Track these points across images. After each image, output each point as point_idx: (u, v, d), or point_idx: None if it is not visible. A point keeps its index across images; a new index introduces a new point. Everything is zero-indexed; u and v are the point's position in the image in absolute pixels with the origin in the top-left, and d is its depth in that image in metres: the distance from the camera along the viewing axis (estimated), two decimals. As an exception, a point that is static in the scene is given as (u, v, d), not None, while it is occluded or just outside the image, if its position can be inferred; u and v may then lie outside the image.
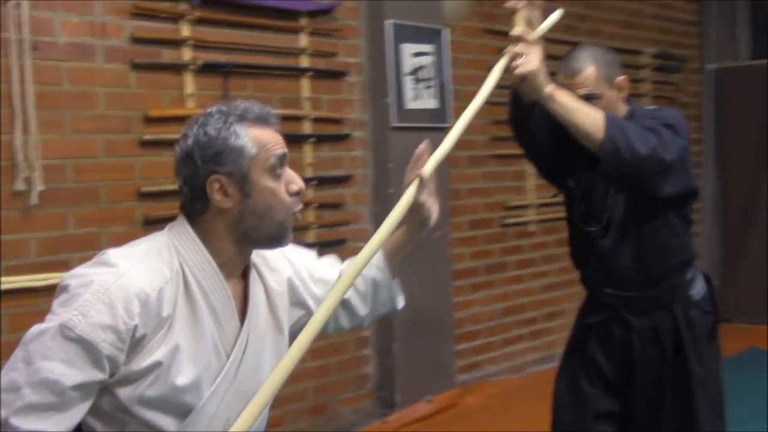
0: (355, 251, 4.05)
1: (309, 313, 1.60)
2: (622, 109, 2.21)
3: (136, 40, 3.00)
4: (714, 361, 2.20)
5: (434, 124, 3.83)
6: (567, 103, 1.96)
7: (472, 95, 3.98)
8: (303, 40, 3.52)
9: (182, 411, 1.41)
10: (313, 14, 3.55)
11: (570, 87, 2.10)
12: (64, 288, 1.34)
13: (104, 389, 1.35)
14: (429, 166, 1.61)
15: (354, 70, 3.74)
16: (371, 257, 1.54)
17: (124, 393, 1.36)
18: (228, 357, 1.45)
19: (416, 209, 1.60)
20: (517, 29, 1.92)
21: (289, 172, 1.46)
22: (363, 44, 3.77)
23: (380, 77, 3.70)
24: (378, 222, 3.80)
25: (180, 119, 3.11)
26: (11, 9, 2.69)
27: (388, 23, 3.67)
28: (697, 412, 2.11)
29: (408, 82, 3.74)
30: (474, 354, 4.44)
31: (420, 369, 3.90)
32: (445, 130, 4.00)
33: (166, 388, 1.37)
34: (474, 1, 4.26)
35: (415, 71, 3.78)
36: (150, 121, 3.05)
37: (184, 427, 1.41)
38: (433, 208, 1.63)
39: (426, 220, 1.64)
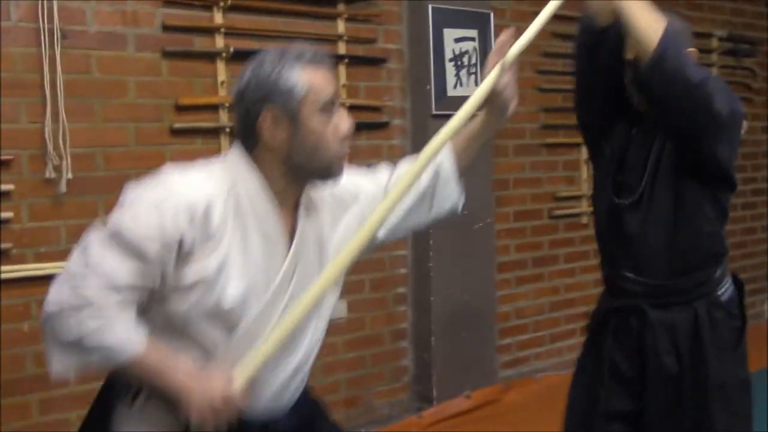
0: (392, 244, 3.96)
1: (353, 222, 1.68)
2: None
3: (168, 28, 3.00)
4: (739, 371, 2.04)
5: (478, 112, 3.70)
6: (635, 4, 1.84)
7: (521, 81, 3.87)
8: (340, 26, 3.45)
9: (230, 326, 1.49)
10: (351, 0, 3.47)
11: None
12: (123, 201, 1.48)
13: (155, 301, 1.48)
14: (512, 52, 1.64)
15: (394, 57, 3.65)
16: (440, 147, 1.63)
17: (175, 305, 1.47)
18: (276, 279, 1.52)
19: (495, 96, 1.65)
20: None
21: (340, 113, 1.54)
22: (404, 30, 3.67)
23: (421, 63, 3.60)
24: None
25: (212, 107, 3.10)
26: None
27: (430, 7, 3.56)
28: (715, 426, 1.96)
29: (450, 69, 3.63)
30: (519, 349, 4.31)
31: (459, 363, 3.81)
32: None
33: (214, 301, 1.46)
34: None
35: (457, 57, 3.66)
36: (181, 109, 3.04)
37: (232, 343, 1.49)
38: (513, 96, 1.67)
39: (505, 108, 1.68)
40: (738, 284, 2.13)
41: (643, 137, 2.11)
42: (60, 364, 1.45)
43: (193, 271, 1.44)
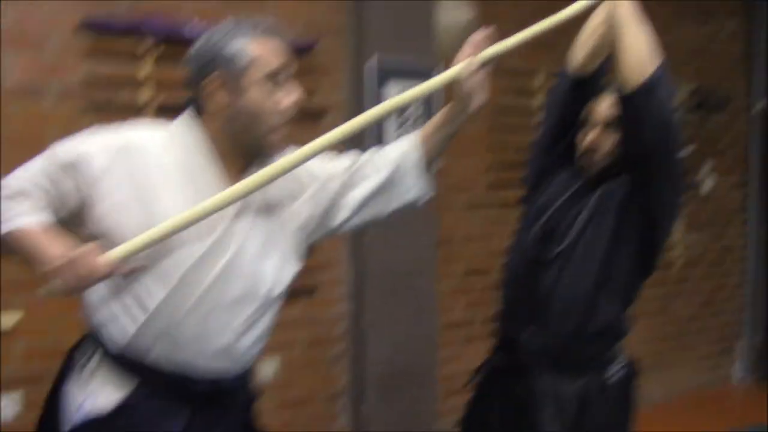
0: (328, 302, 3.91)
1: (312, 198, 1.76)
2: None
3: (91, 81, 2.95)
4: None
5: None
6: (634, 14, 1.94)
7: (468, 137, 3.79)
8: (276, 79, 3.40)
9: (164, 278, 1.57)
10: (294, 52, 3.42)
11: (600, 107, 2.13)
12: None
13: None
14: (486, 52, 1.69)
15: (335, 111, 3.60)
16: (380, 116, 1.70)
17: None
18: (213, 235, 1.59)
19: (460, 89, 1.68)
20: None
21: (288, 88, 1.62)
22: (347, 80, 3.62)
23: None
24: (356, 268, 3.67)
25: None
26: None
27: (371, 60, 3.51)
28: None
29: (392, 122, 3.57)
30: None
31: (397, 425, 3.69)
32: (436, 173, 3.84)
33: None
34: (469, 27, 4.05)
35: (400, 111, 3.60)
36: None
37: (171, 295, 1.56)
38: (479, 92, 1.69)
39: (468, 103, 1.70)
40: (631, 368, 2.07)
41: (577, 194, 2.15)
42: None
43: (97, 215, 1.57)
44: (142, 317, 1.58)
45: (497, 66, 4.27)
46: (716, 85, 5.38)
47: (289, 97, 1.63)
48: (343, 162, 1.82)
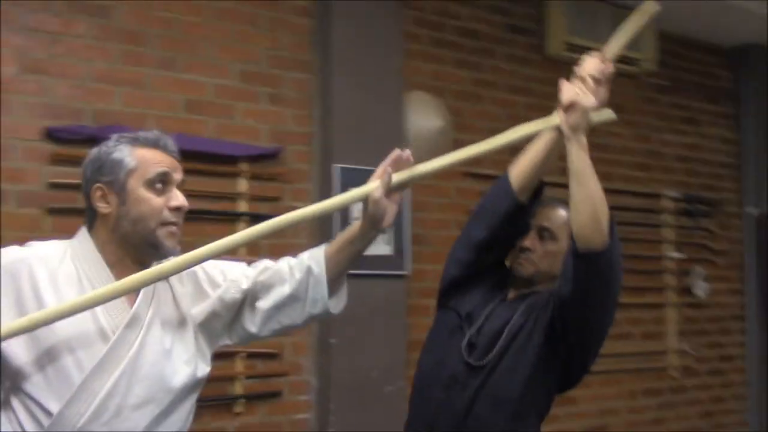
0: (294, 406, 3.81)
1: (212, 301, 1.80)
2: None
3: (53, 186, 3.05)
4: None
5: (388, 272, 3.65)
6: (589, 165, 1.89)
7: (442, 240, 3.82)
8: (242, 185, 3.48)
9: (67, 389, 1.58)
10: (255, 159, 3.52)
11: (540, 215, 2.18)
12: None
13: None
14: (402, 176, 1.71)
15: (302, 215, 3.65)
16: (276, 227, 1.70)
17: (14, 362, 1.59)
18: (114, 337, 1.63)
19: (372, 207, 1.71)
20: (593, 63, 1.87)
21: (174, 192, 1.71)
22: (312, 188, 3.70)
23: (327, 223, 3.58)
24: (321, 375, 3.59)
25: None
26: None
27: (336, 167, 3.59)
28: None
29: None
30: None
31: None
32: (401, 278, 3.81)
33: (36, 354, 1.58)
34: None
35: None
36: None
37: (67, 402, 1.56)
38: (390, 211, 1.72)
39: (378, 222, 1.72)
40: None
41: (507, 306, 2.16)
42: None
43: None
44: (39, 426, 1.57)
45: (468, 173, 4.30)
46: (706, 191, 5.38)
47: (170, 202, 1.69)
48: (247, 270, 1.86)
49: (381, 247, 3.69)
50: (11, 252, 1.66)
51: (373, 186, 1.71)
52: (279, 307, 1.81)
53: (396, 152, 1.72)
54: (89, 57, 3.19)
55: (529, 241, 2.15)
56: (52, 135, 3.05)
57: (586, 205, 1.86)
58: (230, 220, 3.46)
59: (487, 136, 1.90)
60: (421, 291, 3.98)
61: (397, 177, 1.70)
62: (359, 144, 3.67)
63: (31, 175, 3.03)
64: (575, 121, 1.84)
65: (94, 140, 3.05)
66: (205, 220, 3.36)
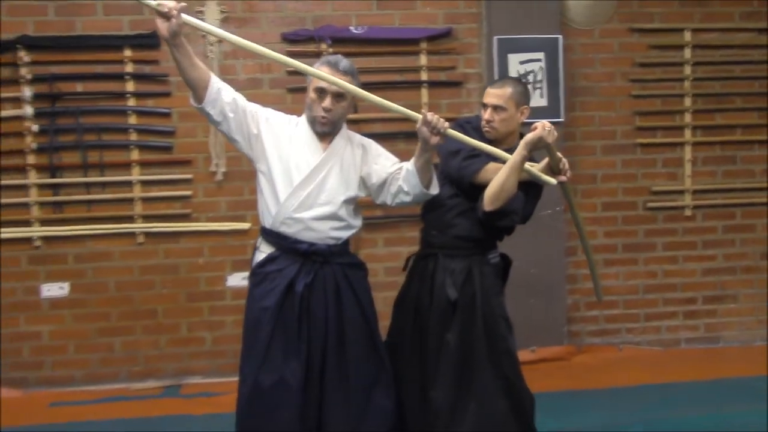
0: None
1: (370, 167, 2.92)
2: (516, 130, 3.05)
3: (290, 73, 4.50)
4: (499, 304, 2.99)
5: (540, 119, 4.53)
6: (516, 162, 2.85)
7: (606, 90, 4.73)
8: (422, 59, 4.62)
9: (287, 188, 2.82)
10: (432, 38, 4.62)
11: (489, 95, 3.03)
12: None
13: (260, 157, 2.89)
14: (442, 124, 2.70)
15: (474, 79, 4.69)
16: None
17: (260, 166, 2.89)
18: (309, 168, 2.84)
19: (418, 131, 2.74)
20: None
21: (325, 101, 2.79)
22: (482, 57, 4.69)
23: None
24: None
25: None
26: (209, 60, 4.43)
27: (495, 39, 4.53)
28: (475, 331, 2.99)
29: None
30: (608, 322, 4.95)
31: (526, 324, 4.66)
32: (557, 125, 4.71)
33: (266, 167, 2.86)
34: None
35: (522, 76, 4.55)
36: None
37: (288, 198, 2.82)
38: (430, 137, 2.70)
39: (425, 141, 2.73)
40: (506, 258, 3.13)
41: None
42: None
43: (259, 146, 2.85)
44: (275, 209, 2.86)
45: (631, 29, 4.94)
46: None
47: (321, 105, 2.80)
48: (392, 164, 2.94)
49: (537, 100, 4.59)
50: (271, 111, 2.94)
51: (415, 116, 2.72)
52: (397, 192, 2.90)
53: (431, 117, 2.67)
54: (308, -22, 4.54)
55: (488, 114, 3.02)
56: (285, 38, 4.51)
57: (499, 187, 2.81)
58: (415, 87, 4.65)
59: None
60: (586, 134, 4.81)
61: (428, 115, 2.68)
62: (513, 20, 4.56)
63: (277, 66, 4.52)
64: (531, 141, 2.77)
65: (313, 39, 4.48)
66: (396, 88, 4.60)
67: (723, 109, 4.95)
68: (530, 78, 4.59)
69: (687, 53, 4.88)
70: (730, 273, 5.04)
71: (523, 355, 4.59)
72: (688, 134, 4.92)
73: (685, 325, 5.04)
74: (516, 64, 4.58)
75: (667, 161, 4.94)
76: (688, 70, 4.88)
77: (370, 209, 4.56)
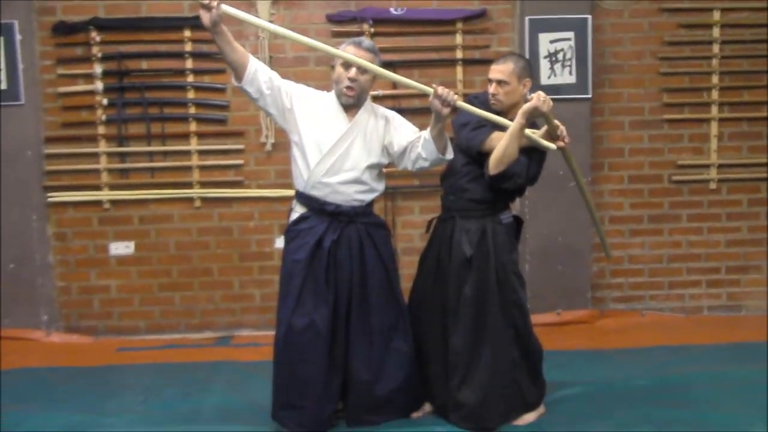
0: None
1: (392, 136, 3.31)
2: (520, 102, 3.32)
3: (334, 51, 4.86)
4: (512, 258, 3.34)
5: (569, 96, 4.80)
6: (517, 130, 3.18)
7: (636, 67, 5.09)
8: (458, 38, 4.92)
9: (317, 154, 3.22)
10: (467, 18, 4.91)
11: (494, 71, 3.35)
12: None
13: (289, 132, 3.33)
14: (452, 96, 3.06)
15: (506, 57, 4.97)
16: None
17: (294, 137, 3.29)
18: (337, 137, 3.23)
19: (430, 104, 3.12)
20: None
21: (351, 72, 3.16)
22: (515, 36, 4.96)
23: (522, 61, 4.85)
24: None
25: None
26: (260, 40, 4.83)
27: (526, 18, 4.80)
28: (490, 286, 3.34)
29: (545, 64, 4.81)
30: (632, 288, 5.21)
31: (551, 288, 4.97)
32: (583, 101, 4.94)
33: (298, 136, 3.26)
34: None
35: (552, 54, 4.81)
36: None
37: (319, 163, 3.22)
38: (440, 110, 3.07)
39: (437, 112, 3.10)
40: (518, 218, 3.43)
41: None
42: None
43: (292, 119, 3.24)
44: (306, 174, 3.30)
45: (661, 9, 5.18)
46: None
47: (347, 75, 3.17)
48: (413, 132, 3.32)
49: (566, 77, 4.85)
50: (303, 87, 3.34)
51: (426, 90, 3.06)
52: (417, 158, 3.28)
53: (443, 91, 3.03)
54: (352, -37, 4.88)
55: (493, 88, 3.32)
56: (330, 19, 4.87)
57: (501, 152, 3.10)
58: (451, 64, 4.96)
59: None
60: (615, 110, 5.05)
61: (443, 92, 3.05)
62: (548, 0, 4.82)
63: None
64: (528, 110, 3.06)
65: (356, 20, 4.83)
66: (433, 66, 4.93)
67: (750, 86, 5.11)
68: (560, 57, 4.85)
69: (716, 32, 5.05)
70: (754, 245, 5.23)
71: (548, 317, 5.01)
72: (714, 110, 5.10)
73: (707, 293, 5.26)
74: (546, 43, 4.84)
75: (694, 136, 5.14)
76: (716, 48, 5.05)
77: (408, 179, 4.92)
